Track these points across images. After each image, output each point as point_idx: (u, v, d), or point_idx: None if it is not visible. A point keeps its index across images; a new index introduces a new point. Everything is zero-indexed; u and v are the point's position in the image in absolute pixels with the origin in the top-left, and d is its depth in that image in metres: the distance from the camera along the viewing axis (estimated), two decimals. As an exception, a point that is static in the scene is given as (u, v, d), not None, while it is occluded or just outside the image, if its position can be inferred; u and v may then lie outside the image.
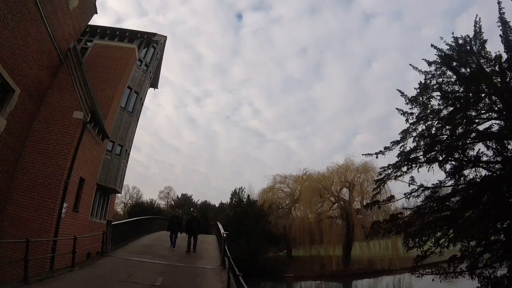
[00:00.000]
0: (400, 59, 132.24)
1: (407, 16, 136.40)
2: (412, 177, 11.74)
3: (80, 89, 12.72)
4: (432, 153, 11.54)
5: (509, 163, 10.20)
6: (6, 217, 10.70)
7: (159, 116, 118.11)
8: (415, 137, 12.04)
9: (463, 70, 11.34)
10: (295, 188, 35.49)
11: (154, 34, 19.65)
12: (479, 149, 10.99)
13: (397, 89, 12.23)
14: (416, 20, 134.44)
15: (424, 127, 12.07)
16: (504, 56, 10.49)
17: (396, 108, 12.29)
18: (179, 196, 59.08)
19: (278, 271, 27.06)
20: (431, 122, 11.98)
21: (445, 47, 11.84)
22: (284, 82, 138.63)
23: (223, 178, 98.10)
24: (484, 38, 11.26)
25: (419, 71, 12.24)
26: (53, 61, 12.80)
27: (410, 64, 12.28)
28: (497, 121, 10.65)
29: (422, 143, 11.85)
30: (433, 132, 11.66)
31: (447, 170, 11.52)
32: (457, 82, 11.54)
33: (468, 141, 11.12)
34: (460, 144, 11.09)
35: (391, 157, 12.50)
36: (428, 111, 11.95)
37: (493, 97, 10.61)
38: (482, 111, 10.99)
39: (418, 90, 12.22)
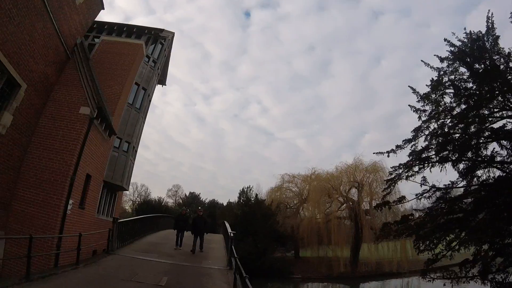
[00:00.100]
0: (409, 56, 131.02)
1: (415, 13, 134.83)
2: (424, 177, 11.35)
3: (87, 84, 12.62)
4: (445, 152, 11.16)
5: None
6: (11, 213, 10.67)
7: (168, 114, 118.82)
8: (427, 135, 11.68)
9: (477, 66, 10.96)
10: (303, 187, 35.08)
11: (162, 30, 19.53)
12: (494, 148, 10.61)
13: (409, 86, 11.86)
14: (425, 17, 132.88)
15: (436, 125, 11.71)
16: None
17: (409, 105, 11.91)
18: (187, 194, 59.28)
19: (285, 271, 26.74)
20: (443, 120, 11.60)
21: (457, 43, 11.50)
22: (291, 80, 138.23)
23: (231, 177, 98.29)
24: (496, 34, 10.88)
25: (431, 67, 11.87)
26: (59, 56, 12.72)
27: (422, 60, 11.91)
28: None
29: (434, 141, 11.48)
30: (446, 130, 11.28)
31: (460, 169, 11.15)
32: (470, 79, 11.17)
33: (481, 140, 10.74)
34: (474, 143, 10.71)
35: (400, 157, 12.13)
36: (441, 108, 11.57)
37: (507, 95, 10.21)
38: (495, 109, 10.61)
39: (430, 87, 11.85)
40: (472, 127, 10.77)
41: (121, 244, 13.66)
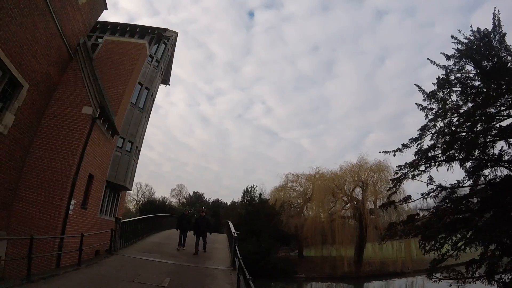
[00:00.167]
0: (413, 56, 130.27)
1: (420, 13, 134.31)
2: (430, 176, 11.25)
3: (90, 84, 12.58)
4: (451, 151, 11.01)
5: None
6: (13, 213, 10.64)
7: (172, 114, 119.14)
8: (433, 134, 11.54)
9: (485, 63, 10.79)
10: (307, 187, 34.91)
11: (165, 30, 19.46)
12: (502, 147, 10.45)
13: (415, 84, 11.73)
14: (429, 16, 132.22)
15: (442, 124, 11.55)
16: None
17: (415, 103, 11.79)
18: (191, 194, 59.29)
19: (289, 271, 26.60)
20: (450, 118, 11.45)
21: (463, 41, 11.36)
22: (296, 80, 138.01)
23: (235, 176, 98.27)
24: (503, 32, 10.71)
25: (437, 65, 11.72)
26: (62, 56, 12.69)
27: (428, 58, 11.78)
28: None
29: (440, 140, 11.33)
30: (452, 129, 11.12)
31: (467, 168, 11.00)
32: (477, 76, 11.03)
33: (488, 139, 10.58)
34: (481, 142, 10.55)
35: (405, 157, 12.01)
36: (447, 106, 11.41)
37: None
38: (502, 108, 10.44)
39: (436, 86, 11.71)
40: (479, 125, 10.62)
41: (123, 244, 13.64)
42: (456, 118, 11.35)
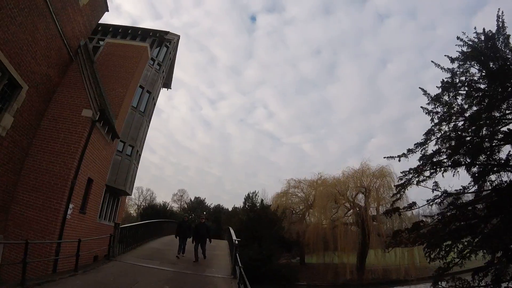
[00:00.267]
0: (415, 59, 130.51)
1: (421, 15, 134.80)
2: (436, 182, 10.98)
3: (90, 86, 12.40)
4: (457, 156, 10.77)
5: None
6: (11, 216, 10.43)
7: (174, 118, 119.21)
8: (438, 138, 11.30)
9: (491, 65, 10.59)
10: (309, 193, 34.64)
11: (167, 33, 19.33)
12: (510, 151, 10.21)
13: (419, 87, 11.52)
14: (430, 19, 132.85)
15: (447, 128, 11.32)
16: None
17: (421, 107, 11.55)
18: (192, 199, 58.91)
19: (291, 278, 26.19)
20: (455, 122, 11.21)
21: (468, 43, 11.17)
22: (298, 84, 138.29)
23: (237, 181, 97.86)
24: (507, 34, 10.52)
25: (442, 68, 11.51)
26: (62, 58, 12.54)
27: (432, 61, 11.57)
28: None
29: (446, 145, 11.09)
30: (458, 133, 10.89)
31: (474, 173, 10.75)
32: (481, 79, 10.83)
33: (494, 143, 10.35)
34: (488, 146, 10.32)
35: (408, 162, 11.78)
36: (453, 110, 11.19)
37: None
38: (508, 111, 10.22)
39: (441, 89, 11.48)
40: (484, 129, 10.40)
41: (123, 249, 13.38)
42: (461, 122, 11.13)
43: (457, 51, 11.36)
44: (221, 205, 55.19)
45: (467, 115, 10.94)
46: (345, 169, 36.02)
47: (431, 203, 11.37)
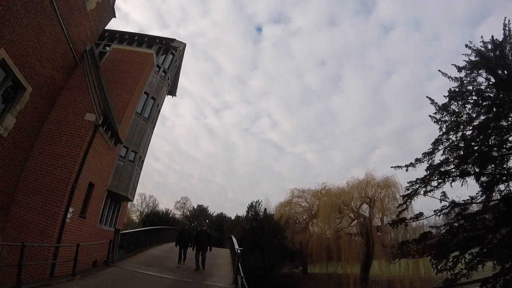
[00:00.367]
0: (420, 70, 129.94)
1: (426, 27, 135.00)
2: (444, 192, 10.76)
3: (94, 91, 12.38)
4: (465, 166, 10.57)
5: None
6: (10, 217, 10.31)
7: (179, 126, 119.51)
8: (446, 148, 11.11)
9: (500, 72, 10.46)
10: (313, 203, 34.34)
11: (173, 40, 19.39)
12: None
13: (427, 96, 11.40)
14: (435, 30, 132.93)
15: (455, 138, 11.14)
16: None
17: (429, 115, 11.40)
18: (195, 207, 58.62)
19: (293, 288, 25.82)
20: (462, 131, 11.04)
21: (474, 52, 11.08)
22: (303, 94, 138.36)
23: (240, 190, 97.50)
24: None
25: (449, 77, 11.39)
26: (68, 61, 12.56)
27: (439, 70, 11.49)
28: None
29: (454, 154, 10.89)
30: (466, 142, 10.70)
31: (483, 183, 10.54)
32: (490, 88, 10.69)
33: (503, 152, 10.15)
34: (498, 155, 10.12)
35: (413, 173, 11.60)
36: (461, 119, 11.02)
37: None
38: None
39: (448, 98, 11.35)
40: (493, 138, 10.23)
41: (123, 255, 13.21)
42: (469, 131, 10.96)
43: (464, 60, 11.30)
44: (224, 214, 54.95)
45: (475, 124, 10.78)
46: (349, 179, 35.74)
47: (438, 214, 11.16)
